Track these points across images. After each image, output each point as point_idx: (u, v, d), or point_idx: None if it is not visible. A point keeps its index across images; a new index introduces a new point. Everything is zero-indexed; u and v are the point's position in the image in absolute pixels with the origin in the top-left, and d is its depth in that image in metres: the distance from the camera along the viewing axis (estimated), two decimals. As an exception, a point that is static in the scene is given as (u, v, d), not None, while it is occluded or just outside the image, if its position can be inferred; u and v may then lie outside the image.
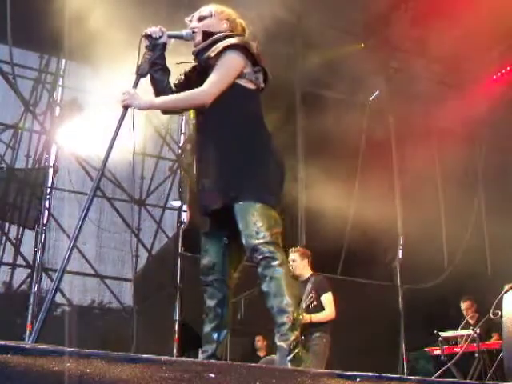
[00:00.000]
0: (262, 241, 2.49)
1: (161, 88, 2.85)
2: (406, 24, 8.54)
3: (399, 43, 8.93)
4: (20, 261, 8.09)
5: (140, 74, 2.71)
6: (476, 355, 5.53)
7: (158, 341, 7.63)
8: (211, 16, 2.86)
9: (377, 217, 8.16)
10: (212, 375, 1.58)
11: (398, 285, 9.00)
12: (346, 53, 8.46)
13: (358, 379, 1.81)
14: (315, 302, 5.08)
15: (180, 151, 8.88)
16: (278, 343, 2.44)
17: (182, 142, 9.05)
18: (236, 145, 2.68)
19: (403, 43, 8.89)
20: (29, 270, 7.86)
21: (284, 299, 2.46)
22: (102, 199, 8.60)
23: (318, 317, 5.05)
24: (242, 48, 2.72)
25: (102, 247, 8.65)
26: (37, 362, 1.41)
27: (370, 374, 1.88)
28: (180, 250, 7.79)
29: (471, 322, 6.51)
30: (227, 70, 2.70)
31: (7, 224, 8.29)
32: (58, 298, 8.04)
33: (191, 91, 2.72)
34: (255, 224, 2.51)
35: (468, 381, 4.85)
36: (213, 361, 2.52)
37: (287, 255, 5.34)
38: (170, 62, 2.87)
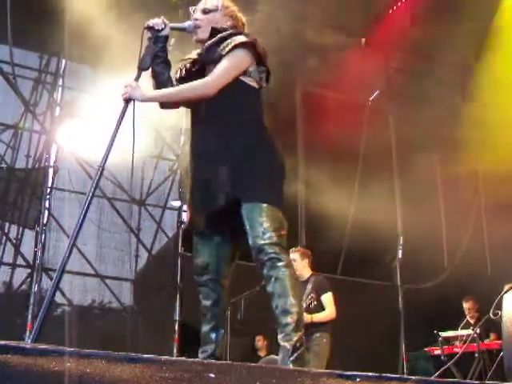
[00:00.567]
0: (267, 241, 2.49)
1: (161, 81, 2.83)
2: (406, 24, 8.54)
3: (399, 43, 8.92)
4: (20, 261, 8.09)
5: (142, 68, 2.69)
6: (476, 355, 5.54)
7: (158, 341, 7.63)
8: (216, 10, 2.84)
9: (377, 217, 8.16)
10: (212, 375, 1.58)
11: (398, 285, 9.00)
12: (347, 53, 8.45)
13: (357, 379, 1.81)
14: (315, 302, 5.09)
15: (180, 151, 8.87)
16: (282, 343, 2.45)
17: (181, 142, 9.04)
18: (239, 143, 2.66)
19: (403, 43, 8.88)
20: (29, 270, 7.85)
21: (288, 300, 2.46)
22: (102, 199, 8.60)
23: (318, 316, 5.07)
24: (252, 46, 2.71)
25: (102, 247, 8.64)
26: (37, 362, 1.41)
27: (370, 374, 1.88)
28: (180, 250, 7.79)
29: (471, 321, 6.51)
30: (232, 65, 2.68)
31: (7, 224, 8.29)
32: (58, 298, 8.04)
33: (193, 82, 2.70)
34: (262, 225, 2.51)
35: (468, 381, 4.85)
36: (213, 361, 2.52)
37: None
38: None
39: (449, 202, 9.51)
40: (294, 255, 5.37)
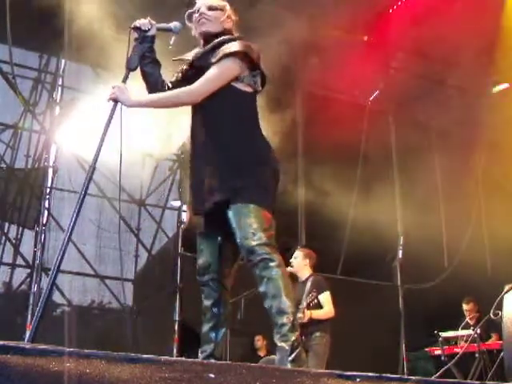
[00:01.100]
0: (258, 242, 2.49)
1: (153, 81, 2.84)
2: (406, 24, 8.53)
3: (399, 43, 8.92)
4: (20, 261, 8.09)
5: (129, 68, 2.69)
6: (476, 355, 5.54)
7: (158, 341, 7.63)
8: (222, 10, 2.86)
9: (377, 217, 8.16)
10: (212, 375, 1.58)
11: (398, 285, 9.00)
12: (346, 52, 8.44)
13: (357, 379, 1.81)
14: (316, 300, 5.12)
15: (180, 151, 8.87)
16: (279, 344, 2.44)
17: (181, 142, 9.04)
18: (230, 146, 2.68)
19: (403, 43, 8.88)
20: (28, 270, 7.86)
21: (283, 300, 2.46)
22: (102, 199, 8.60)
23: (318, 313, 5.10)
24: (243, 55, 2.71)
25: (102, 247, 8.65)
26: (36, 362, 1.41)
27: (370, 374, 1.88)
28: (180, 250, 7.79)
29: (471, 322, 6.51)
30: (218, 75, 2.69)
31: (7, 224, 8.29)
32: (58, 298, 8.05)
33: (179, 90, 2.71)
34: (251, 225, 2.51)
35: (468, 381, 4.85)
36: (213, 361, 2.52)
37: (290, 254, 5.39)
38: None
39: (449, 202, 9.51)
40: (298, 253, 5.41)
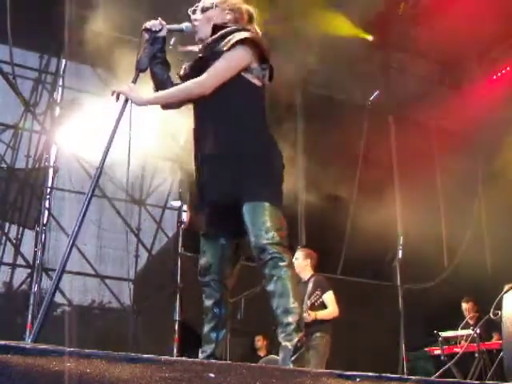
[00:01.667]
0: (270, 241, 2.48)
1: (160, 82, 2.81)
2: (406, 24, 8.55)
3: (399, 43, 8.93)
4: (20, 261, 8.09)
5: (140, 69, 2.69)
6: (476, 355, 5.54)
7: (158, 341, 7.63)
8: (214, 7, 2.81)
9: (377, 217, 8.16)
10: (212, 375, 1.58)
11: (397, 285, 9.00)
12: (346, 52, 8.45)
13: (357, 379, 1.81)
14: (320, 300, 5.13)
15: (180, 151, 8.86)
16: (283, 343, 2.44)
17: (182, 142, 9.03)
18: (240, 142, 2.63)
19: (403, 43, 8.89)
20: (29, 270, 7.86)
21: (290, 300, 2.45)
22: (102, 199, 8.60)
23: (323, 314, 5.11)
24: (253, 44, 2.67)
25: (102, 247, 8.65)
26: (37, 362, 1.41)
27: (370, 373, 1.88)
28: (180, 250, 7.78)
29: (470, 322, 6.51)
30: (229, 63, 2.65)
31: (7, 224, 8.29)
32: (59, 298, 8.05)
33: (188, 83, 2.68)
34: (264, 224, 2.49)
35: (468, 381, 4.85)
36: (213, 361, 2.52)
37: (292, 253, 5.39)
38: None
39: (449, 201, 9.51)
40: (299, 253, 5.41)
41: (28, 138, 8.88)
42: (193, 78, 2.70)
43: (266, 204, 2.53)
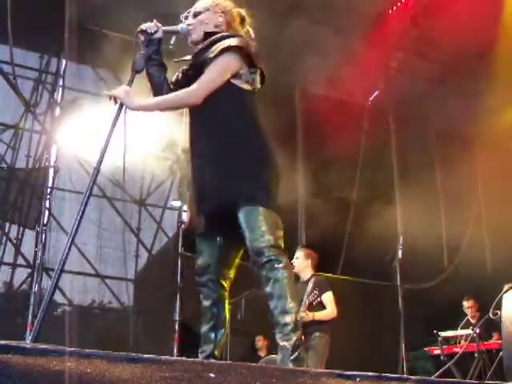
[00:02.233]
0: (267, 244, 2.51)
1: (157, 84, 2.84)
2: (406, 24, 8.54)
3: (399, 43, 8.92)
4: (20, 261, 8.10)
5: (135, 70, 2.71)
6: (476, 355, 5.54)
7: (158, 341, 7.64)
8: (206, 10, 2.84)
9: (377, 217, 8.16)
10: (212, 375, 1.59)
11: (397, 285, 9.00)
12: (347, 52, 8.45)
13: (357, 379, 1.81)
14: (319, 299, 5.12)
15: (180, 151, 8.87)
16: (281, 343, 2.46)
17: (182, 142, 9.04)
18: (234, 145, 2.66)
19: (403, 43, 8.89)
20: (29, 270, 7.86)
21: (287, 301, 2.48)
22: (102, 199, 8.60)
23: (320, 314, 5.10)
24: (240, 50, 2.70)
25: (103, 247, 8.65)
26: (37, 362, 1.41)
27: (370, 373, 1.88)
28: (180, 250, 7.79)
29: (472, 321, 6.51)
30: (219, 71, 2.67)
31: (8, 224, 8.29)
32: (59, 298, 8.05)
33: (180, 92, 2.71)
34: (260, 228, 2.52)
35: (468, 381, 4.85)
36: (213, 361, 2.53)
37: (291, 254, 5.39)
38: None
39: (449, 201, 9.51)
40: (299, 253, 5.40)
41: (28, 137, 8.89)
42: (185, 85, 2.74)
43: (261, 208, 2.56)
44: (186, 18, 2.88)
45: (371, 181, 8.77)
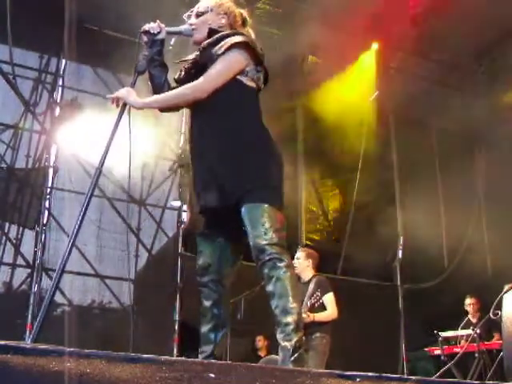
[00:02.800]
0: (269, 242, 2.49)
1: (158, 84, 2.83)
2: (406, 24, 8.53)
3: (399, 43, 8.92)
4: (20, 261, 8.09)
5: (138, 71, 2.70)
6: (476, 355, 5.54)
7: (158, 341, 7.63)
8: (208, 11, 2.83)
9: (377, 217, 8.16)
10: (212, 375, 1.58)
11: (397, 285, 9.01)
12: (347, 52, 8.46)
13: (357, 379, 1.81)
14: (320, 301, 5.12)
15: (180, 151, 8.87)
16: (282, 343, 2.45)
17: (181, 142, 9.05)
18: (237, 143, 2.65)
19: (403, 43, 8.88)
20: (29, 270, 7.86)
21: (289, 300, 2.46)
22: (102, 199, 8.59)
23: (321, 315, 5.09)
24: (248, 46, 2.69)
25: (102, 247, 8.64)
26: (37, 362, 1.41)
27: (370, 373, 1.88)
28: (180, 250, 7.79)
29: (473, 320, 6.52)
30: (226, 66, 2.67)
31: (7, 224, 8.28)
32: (59, 298, 8.04)
33: (185, 86, 2.69)
34: (263, 225, 2.51)
35: (468, 381, 4.85)
36: (213, 361, 2.52)
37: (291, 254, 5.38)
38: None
39: (449, 201, 9.51)
40: (300, 253, 5.39)
41: (28, 137, 8.87)
42: (188, 82, 2.72)
43: (265, 205, 2.55)
44: (189, 17, 2.87)
45: (371, 181, 8.76)
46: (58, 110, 8.38)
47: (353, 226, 8.82)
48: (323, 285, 5.25)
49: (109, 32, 7.75)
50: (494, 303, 3.03)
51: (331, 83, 8.74)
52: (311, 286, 5.21)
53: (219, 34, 2.75)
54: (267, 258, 2.49)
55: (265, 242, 2.49)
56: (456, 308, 7.00)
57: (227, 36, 2.72)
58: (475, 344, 5.54)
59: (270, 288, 2.50)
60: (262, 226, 2.51)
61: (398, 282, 9.02)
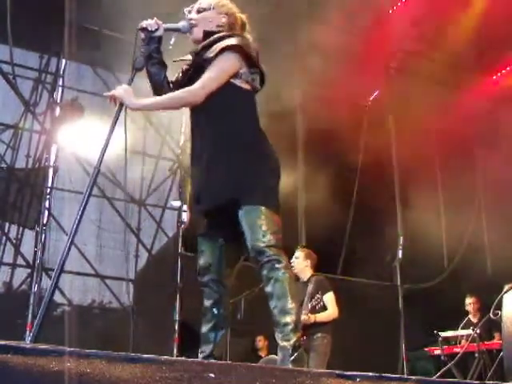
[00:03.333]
0: (267, 244, 2.52)
1: (158, 82, 2.83)
2: (406, 24, 8.54)
3: (399, 43, 8.92)
4: (20, 261, 8.09)
5: (136, 68, 2.69)
6: (476, 355, 5.54)
7: (158, 341, 7.63)
8: (210, 9, 2.83)
9: (377, 217, 8.16)
10: (212, 375, 1.59)
11: (397, 285, 9.01)
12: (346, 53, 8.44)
13: (358, 379, 1.81)
14: (321, 303, 5.12)
15: (180, 151, 8.87)
16: (281, 343, 2.47)
17: (181, 142, 9.05)
18: (232, 145, 2.66)
19: (403, 43, 8.89)
20: (29, 270, 7.86)
21: (288, 301, 2.49)
22: (102, 199, 8.59)
23: (322, 316, 5.09)
24: (240, 49, 2.70)
25: (102, 247, 8.64)
26: (37, 362, 1.41)
27: (370, 373, 1.88)
28: (180, 250, 7.79)
29: (473, 320, 6.52)
30: (220, 70, 2.68)
31: (7, 224, 8.29)
32: (59, 298, 8.04)
33: (181, 91, 2.70)
34: (261, 227, 2.53)
35: (468, 381, 4.85)
36: (213, 361, 2.53)
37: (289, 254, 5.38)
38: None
39: (449, 201, 9.51)
40: (299, 253, 5.39)
41: (28, 137, 8.87)
42: (185, 84, 2.73)
43: (262, 208, 2.57)
44: (190, 11, 2.87)
45: (371, 181, 8.76)
46: (58, 110, 8.38)
47: (353, 226, 8.81)
48: (323, 285, 5.26)
49: (109, 32, 7.74)
50: (494, 303, 3.03)
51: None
52: (311, 286, 5.21)
53: (212, 38, 2.76)
54: (266, 259, 2.51)
55: (263, 245, 2.52)
56: (456, 308, 7.00)
57: (221, 38, 2.73)
58: (475, 344, 5.55)
59: (268, 289, 2.52)
60: (259, 228, 2.53)
61: (398, 282, 9.02)
